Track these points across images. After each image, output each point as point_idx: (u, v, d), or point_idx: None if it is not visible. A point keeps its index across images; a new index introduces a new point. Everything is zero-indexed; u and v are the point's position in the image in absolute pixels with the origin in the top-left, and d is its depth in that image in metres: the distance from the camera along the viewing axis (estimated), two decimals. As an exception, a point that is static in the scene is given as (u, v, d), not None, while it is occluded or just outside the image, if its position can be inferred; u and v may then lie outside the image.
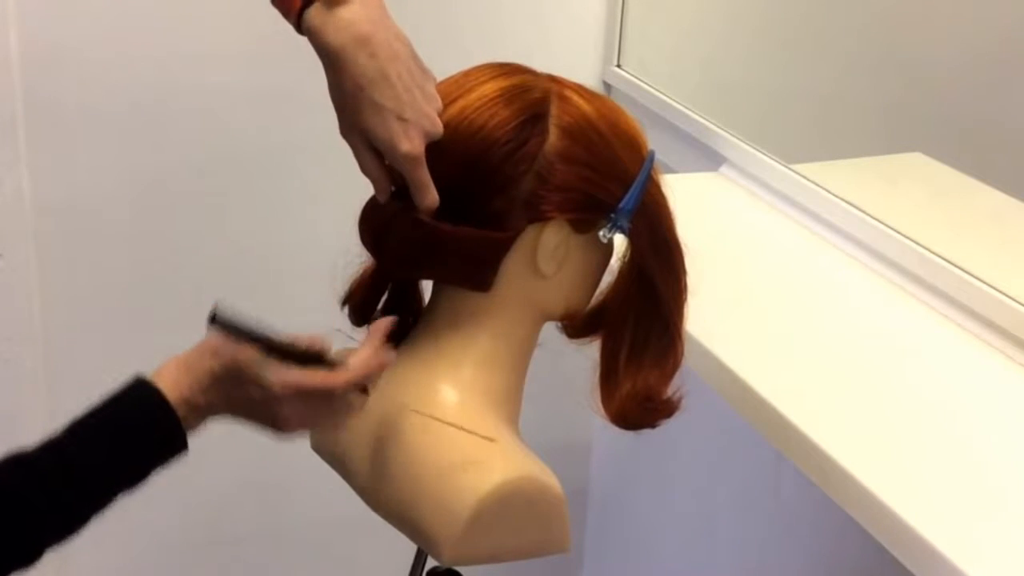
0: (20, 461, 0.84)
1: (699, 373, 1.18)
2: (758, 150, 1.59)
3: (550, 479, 0.95)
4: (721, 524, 1.72)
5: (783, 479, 1.53)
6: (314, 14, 0.92)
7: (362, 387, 0.92)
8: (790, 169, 1.53)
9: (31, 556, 0.84)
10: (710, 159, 1.67)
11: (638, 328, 1.01)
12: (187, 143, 1.71)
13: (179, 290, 1.77)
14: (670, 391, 1.02)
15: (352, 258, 1.04)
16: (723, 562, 1.73)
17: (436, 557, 0.95)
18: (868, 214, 1.40)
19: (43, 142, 1.63)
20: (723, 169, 1.64)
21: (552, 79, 1.00)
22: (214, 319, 0.89)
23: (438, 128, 0.94)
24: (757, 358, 1.18)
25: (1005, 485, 1.02)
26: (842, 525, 1.06)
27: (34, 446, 0.85)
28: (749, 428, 1.14)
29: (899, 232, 1.35)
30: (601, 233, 0.98)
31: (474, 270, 0.97)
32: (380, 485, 0.97)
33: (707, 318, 1.10)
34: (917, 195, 1.51)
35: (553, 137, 0.95)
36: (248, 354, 0.88)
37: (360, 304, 1.06)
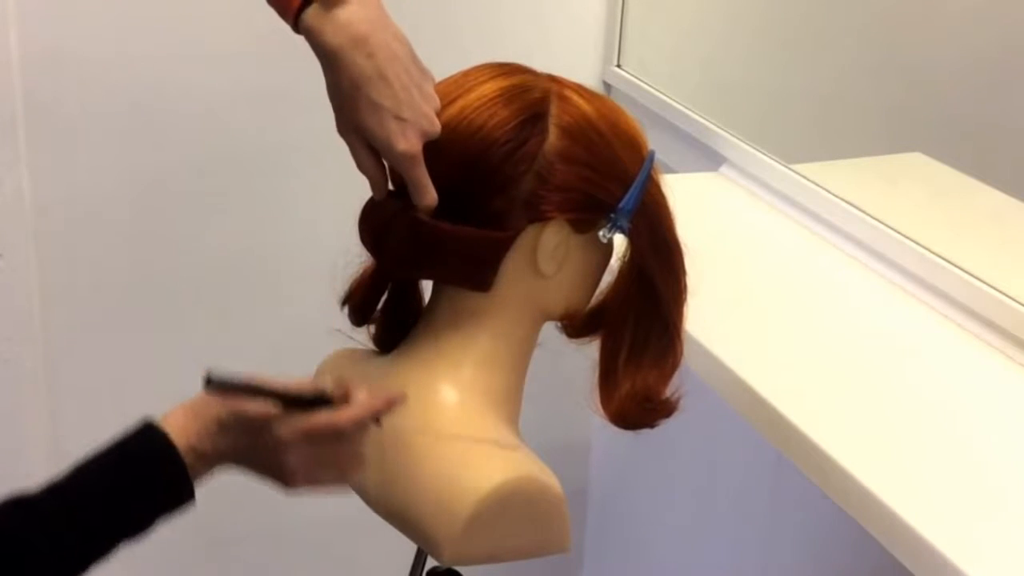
0: (21, 503, 0.82)
1: (699, 373, 1.18)
2: (758, 150, 1.59)
3: (550, 479, 0.95)
4: (721, 524, 1.72)
5: (783, 479, 1.53)
6: (312, 15, 0.92)
7: (371, 422, 0.90)
8: (790, 169, 1.53)
9: None
10: (710, 159, 1.67)
11: (638, 328, 1.01)
12: (187, 143, 1.71)
13: (179, 290, 1.77)
14: (669, 391, 1.02)
15: (352, 258, 1.04)
16: (723, 562, 1.73)
17: (436, 557, 0.95)
18: (868, 214, 1.40)
19: (43, 142, 1.63)
20: (723, 169, 1.64)
21: (552, 79, 1.00)
22: (209, 382, 0.88)
23: (436, 127, 0.94)
24: (757, 358, 1.18)
25: (1005, 485, 1.02)
26: (842, 525, 1.06)
27: (37, 488, 0.83)
28: (749, 428, 1.14)
29: (899, 232, 1.35)
30: (601, 233, 0.98)
31: (474, 270, 0.97)
32: (380, 485, 0.97)
33: (707, 318, 1.10)
34: (917, 195, 1.51)
35: (553, 137, 0.95)
36: (256, 403, 0.86)
37: (360, 304, 1.06)
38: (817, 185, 1.48)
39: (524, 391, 1.03)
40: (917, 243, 1.33)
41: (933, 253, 1.30)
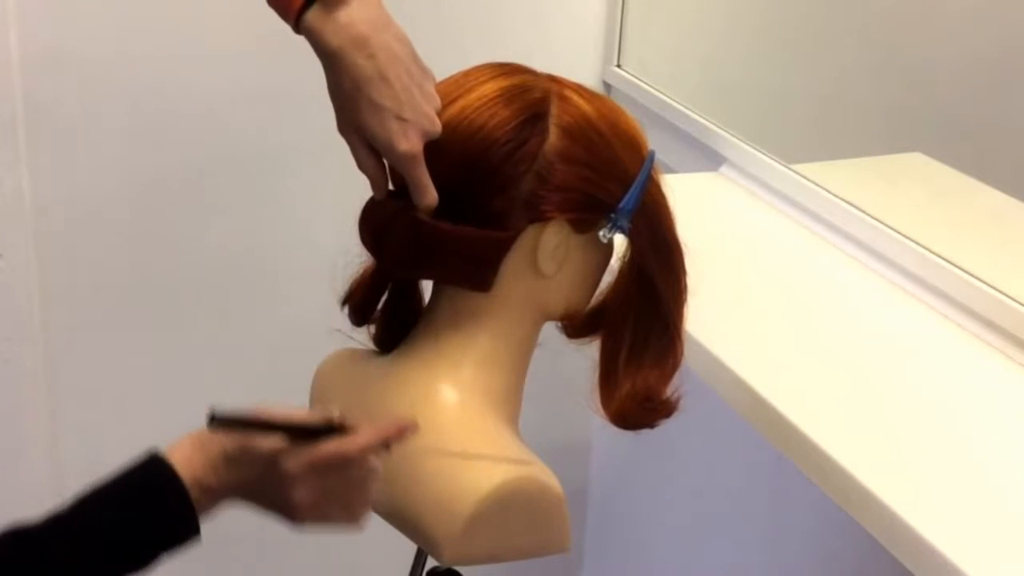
0: (21, 533, 0.80)
1: (699, 373, 1.18)
2: (758, 150, 1.59)
3: (550, 479, 0.95)
4: (721, 524, 1.72)
5: (783, 479, 1.53)
6: (313, 16, 0.92)
7: (381, 449, 0.88)
8: (790, 169, 1.53)
9: None
10: (710, 159, 1.67)
11: (638, 328, 1.01)
12: (187, 143, 1.71)
13: (179, 290, 1.77)
14: (669, 391, 1.02)
15: (352, 258, 1.04)
16: (723, 562, 1.73)
17: (436, 557, 0.95)
18: (868, 214, 1.40)
19: (43, 142, 1.63)
20: (723, 169, 1.64)
21: (552, 79, 1.00)
22: (212, 420, 0.85)
23: (436, 127, 0.94)
24: (757, 358, 1.18)
25: (1005, 485, 1.02)
26: (842, 525, 1.06)
27: (38, 518, 0.81)
28: (749, 428, 1.14)
29: (899, 232, 1.35)
30: (601, 233, 0.98)
31: (474, 270, 0.97)
32: (380, 485, 0.97)
33: (707, 318, 1.10)
34: (917, 195, 1.51)
35: (553, 137, 0.95)
36: (262, 437, 0.84)
37: (360, 304, 1.06)
38: (817, 185, 1.48)
39: (524, 391, 1.03)
40: (917, 243, 1.33)
41: (933, 253, 1.30)
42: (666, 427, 1.03)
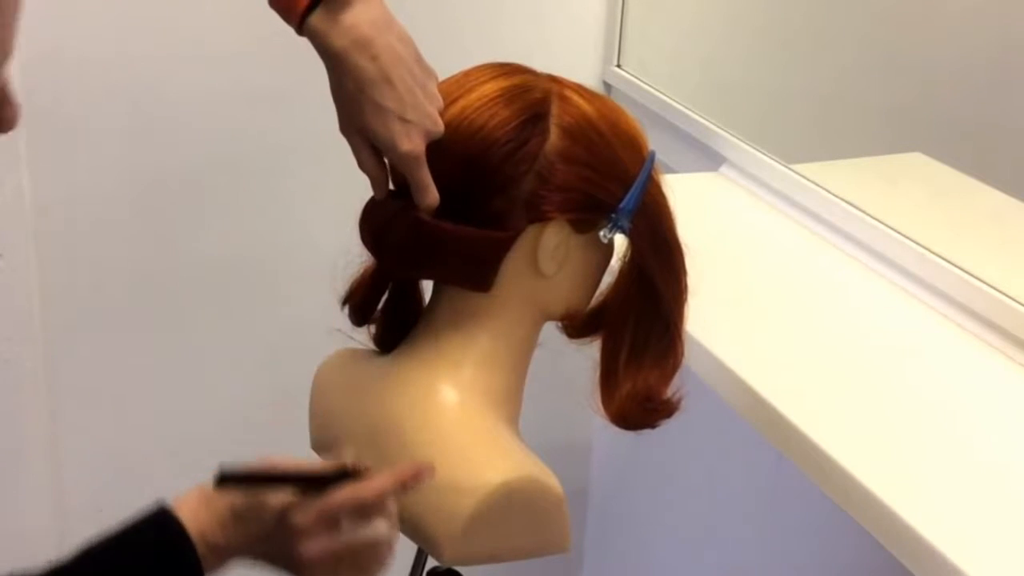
0: None
1: (699, 373, 1.18)
2: (758, 150, 1.59)
3: (550, 479, 0.95)
4: (721, 524, 1.72)
5: (783, 479, 1.53)
6: (317, 19, 0.92)
7: (398, 493, 0.85)
8: (790, 169, 1.53)
9: None
10: (710, 159, 1.67)
11: (638, 328, 1.01)
12: (187, 143, 1.71)
13: (179, 290, 1.77)
14: (670, 391, 1.02)
15: (352, 258, 1.04)
16: (723, 562, 1.73)
17: (436, 557, 0.95)
18: (868, 214, 1.40)
19: (43, 142, 1.63)
20: (723, 169, 1.64)
21: (552, 79, 1.00)
22: (222, 479, 0.84)
23: (439, 127, 0.94)
24: (757, 358, 1.18)
25: (1005, 485, 1.02)
26: (842, 525, 1.06)
27: (40, 567, 0.79)
28: (749, 428, 1.14)
29: (899, 232, 1.35)
30: (601, 233, 0.98)
31: (474, 270, 0.97)
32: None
33: (707, 318, 1.10)
34: (917, 195, 1.51)
35: (554, 137, 0.95)
36: (271, 492, 0.83)
37: (360, 304, 1.06)
38: (817, 185, 1.48)
39: (524, 391, 1.03)
40: (917, 243, 1.33)
41: (933, 253, 1.30)
42: (666, 427, 1.03)
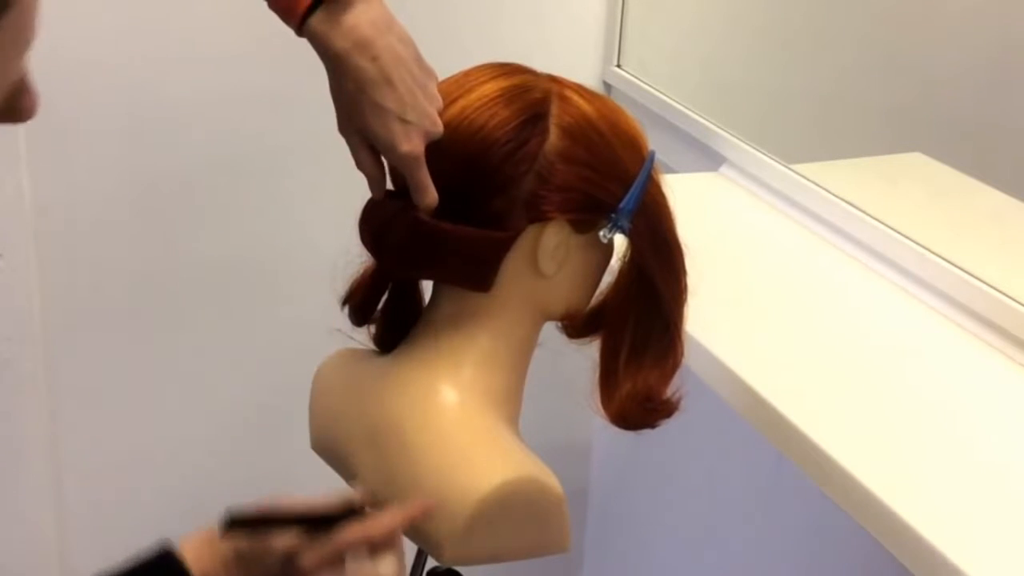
0: None
1: (699, 373, 1.18)
2: (758, 150, 1.59)
3: (550, 479, 0.95)
4: (721, 524, 1.72)
5: (783, 479, 1.53)
6: (318, 20, 0.91)
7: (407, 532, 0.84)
8: (790, 169, 1.53)
9: None
10: (710, 159, 1.67)
11: (638, 328, 1.01)
12: (187, 143, 1.71)
13: (179, 290, 1.77)
14: (670, 391, 1.02)
15: (352, 258, 1.04)
16: (723, 562, 1.73)
17: (436, 557, 0.95)
18: (868, 214, 1.40)
19: (43, 142, 1.63)
20: (723, 169, 1.64)
21: (552, 79, 1.00)
22: (230, 524, 0.83)
23: (439, 128, 0.94)
24: (757, 358, 1.18)
25: (1005, 485, 1.02)
26: (842, 525, 1.06)
27: None
28: (749, 428, 1.14)
29: (899, 232, 1.35)
30: (601, 233, 0.98)
31: (474, 270, 0.97)
32: (381, 485, 0.97)
33: (707, 318, 1.10)
34: (917, 195, 1.51)
35: (553, 137, 0.95)
36: (278, 535, 0.82)
37: (360, 304, 1.06)
38: (817, 185, 1.48)
39: (524, 391, 1.03)
40: (917, 243, 1.33)
41: (933, 253, 1.30)
42: (666, 427, 1.03)
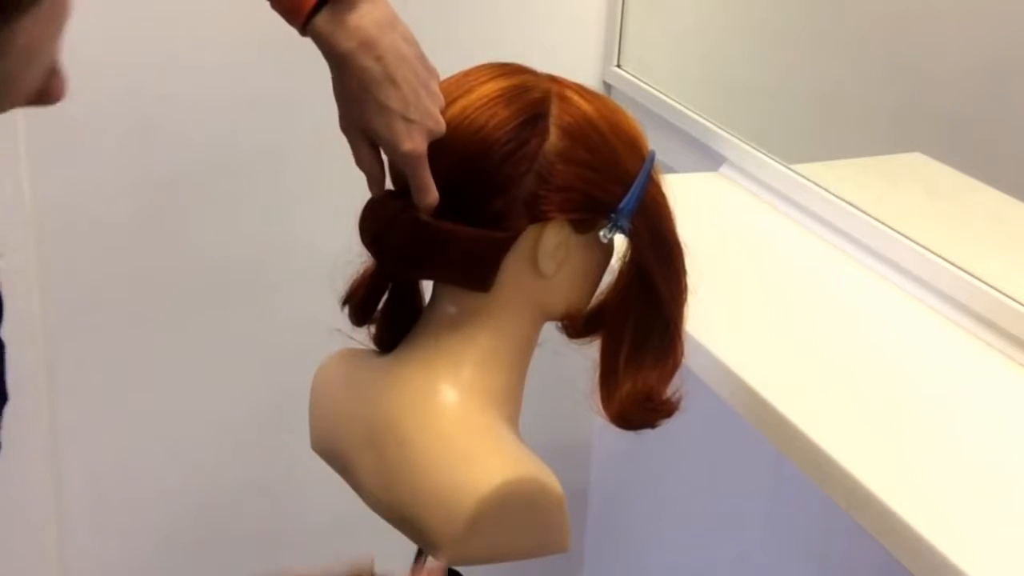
0: None
1: (699, 373, 1.18)
2: (758, 150, 1.59)
3: (550, 479, 0.95)
4: (721, 524, 1.72)
5: (783, 479, 1.53)
6: (323, 21, 0.91)
7: None
8: (790, 169, 1.53)
9: None
10: (710, 159, 1.67)
11: (638, 328, 1.01)
12: (187, 143, 1.71)
13: (179, 290, 1.77)
14: (670, 391, 1.02)
15: (352, 258, 1.04)
16: (723, 562, 1.73)
17: (436, 557, 0.95)
18: (868, 214, 1.40)
19: (43, 142, 1.63)
20: (723, 169, 1.64)
21: (552, 79, 1.00)
22: None
23: (441, 127, 0.94)
24: (757, 358, 1.18)
25: (1005, 485, 1.02)
26: (842, 525, 1.06)
27: None
28: (749, 428, 1.14)
29: (899, 232, 1.35)
30: (601, 233, 0.98)
31: (474, 270, 0.97)
32: (380, 485, 0.97)
33: (707, 318, 1.10)
34: (917, 195, 1.51)
35: (553, 137, 0.95)
36: None
37: (360, 304, 1.06)
38: (817, 185, 1.48)
39: (524, 391, 1.03)
40: (917, 243, 1.33)
41: (933, 253, 1.30)
42: (666, 427, 1.03)
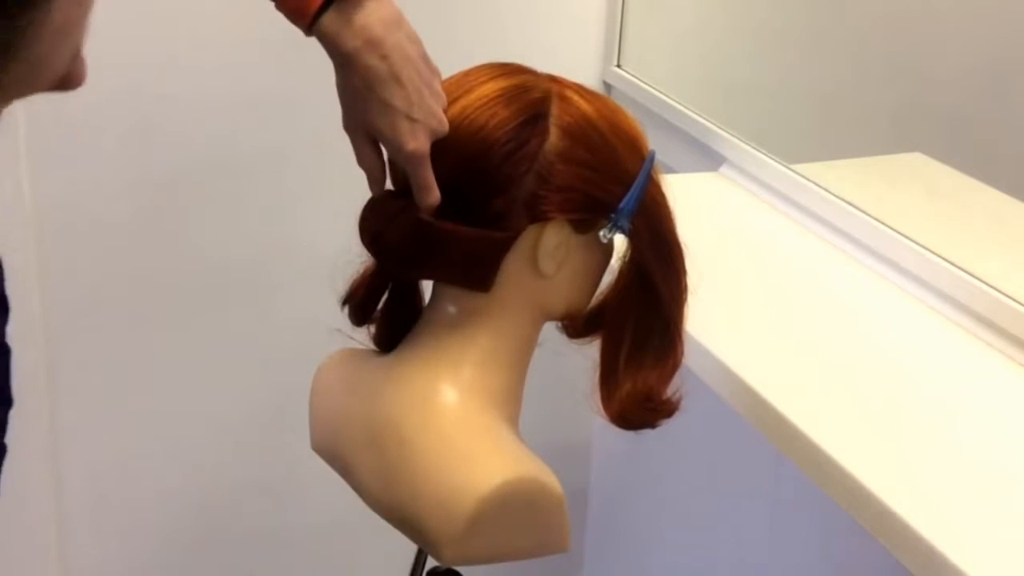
0: None
1: (699, 373, 1.18)
2: (758, 150, 1.59)
3: (550, 479, 0.95)
4: (721, 524, 1.72)
5: (783, 479, 1.53)
6: (329, 20, 0.91)
7: None
8: (790, 169, 1.53)
9: None
10: (710, 159, 1.67)
11: (638, 328, 1.01)
12: (187, 143, 1.71)
13: (179, 290, 1.77)
14: (670, 391, 1.02)
15: (352, 258, 1.04)
16: (723, 562, 1.73)
17: (436, 557, 0.95)
18: (868, 214, 1.40)
19: (43, 142, 1.63)
20: (723, 169, 1.64)
21: (552, 79, 1.00)
22: None
23: (444, 126, 0.94)
24: (757, 358, 1.18)
25: (1005, 485, 1.02)
26: (842, 525, 1.06)
27: None
28: (749, 428, 1.14)
29: (899, 232, 1.35)
30: (601, 233, 0.98)
31: (474, 270, 0.97)
32: (381, 485, 0.97)
33: (707, 318, 1.10)
34: (917, 195, 1.51)
35: (553, 137, 0.95)
36: None
37: (360, 304, 1.06)
38: (817, 185, 1.48)
39: (524, 391, 1.03)
40: (917, 243, 1.33)
41: (933, 253, 1.30)
42: (666, 427, 1.03)
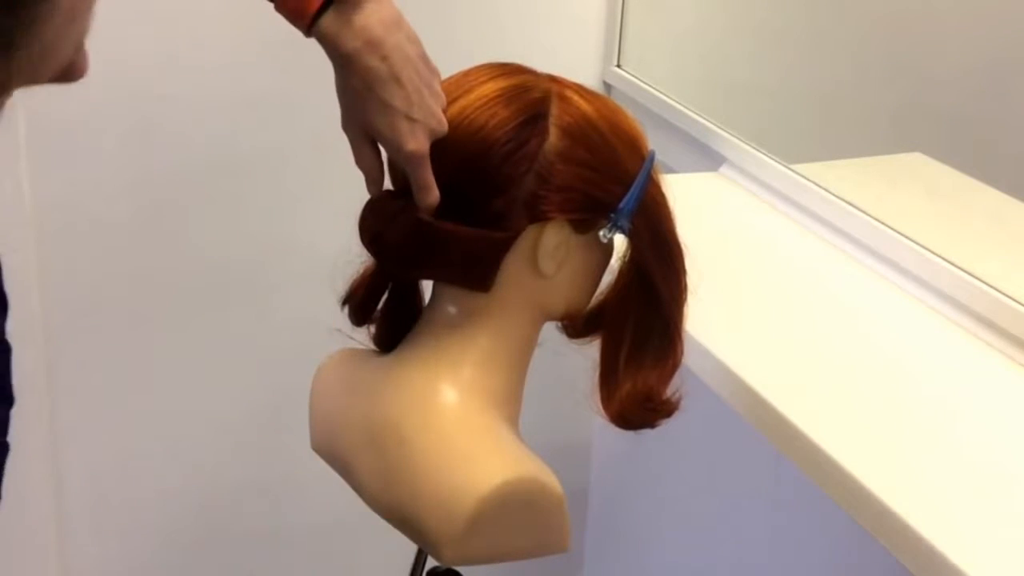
0: None
1: (699, 373, 1.18)
2: (758, 150, 1.59)
3: (550, 479, 0.95)
4: (721, 524, 1.72)
5: (783, 479, 1.53)
6: (329, 21, 0.91)
7: None
8: (790, 169, 1.53)
9: None
10: (710, 159, 1.67)
11: (638, 328, 1.01)
12: (187, 143, 1.71)
13: (179, 290, 1.77)
14: (670, 391, 1.02)
15: (352, 258, 1.04)
16: (723, 562, 1.73)
17: (436, 557, 0.95)
18: (868, 214, 1.40)
19: (43, 142, 1.63)
20: (723, 169, 1.64)
21: (552, 79, 1.00)
22: None
23: (444, 126, 0.94)
24: (757, 358, 1.18)
25: (1005, 485, 1.02)
26: (842, 525, 1.06)
27: None
28: (749, 428, 1.14)
29: (899, 232, 1.35)
30: (601, 233, 0.98)
31: (474, 270, 0.97)
32: (381, 485, 0.97)
33: (707, 318, 1.10)
34: (917, 195, 1.51)
35: (553, 137, 0.95)
36: None
37: (360, 304, 1.06)
38: (817, 185, 1.48)
39: (524, 391, 1.03)
40: (917, 243, 1.33)
41: (933, 253, 1.30)
42: (666, 427, 1.03)
